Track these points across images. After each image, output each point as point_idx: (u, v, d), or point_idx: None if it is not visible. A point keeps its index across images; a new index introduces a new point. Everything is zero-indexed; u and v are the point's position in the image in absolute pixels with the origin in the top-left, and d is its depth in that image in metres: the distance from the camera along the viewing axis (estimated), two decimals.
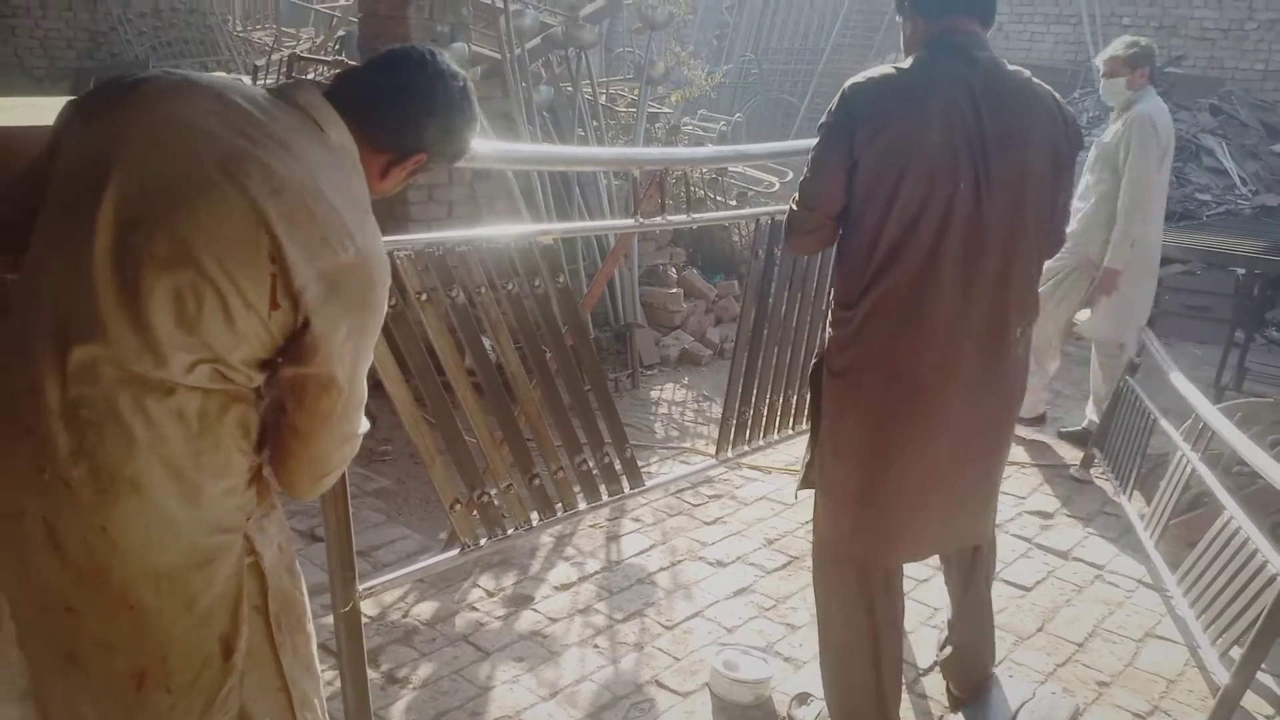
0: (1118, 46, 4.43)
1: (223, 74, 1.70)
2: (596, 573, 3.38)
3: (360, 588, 2.18)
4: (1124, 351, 4.50)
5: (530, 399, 2.64)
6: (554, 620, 3.07)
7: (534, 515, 2.66)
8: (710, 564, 3.49)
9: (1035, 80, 2.19)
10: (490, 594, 3.20)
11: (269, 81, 6.57)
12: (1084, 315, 4.69)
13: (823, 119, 2.15)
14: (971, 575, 2.52)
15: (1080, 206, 4.42)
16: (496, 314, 2.48)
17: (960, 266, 2.08)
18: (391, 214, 4.65)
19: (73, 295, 1.37)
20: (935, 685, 2.81)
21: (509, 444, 2.60)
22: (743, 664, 2.75)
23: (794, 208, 2.26)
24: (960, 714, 2.60)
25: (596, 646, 2.94)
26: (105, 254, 1.37)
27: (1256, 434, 3.54)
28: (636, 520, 3.80)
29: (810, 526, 3.73)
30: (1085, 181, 4.48)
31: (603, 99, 6.28)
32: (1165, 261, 7.55)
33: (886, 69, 2.12)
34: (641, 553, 3.54)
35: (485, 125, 1.74)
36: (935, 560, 3.26)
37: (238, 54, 10.91)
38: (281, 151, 1.45)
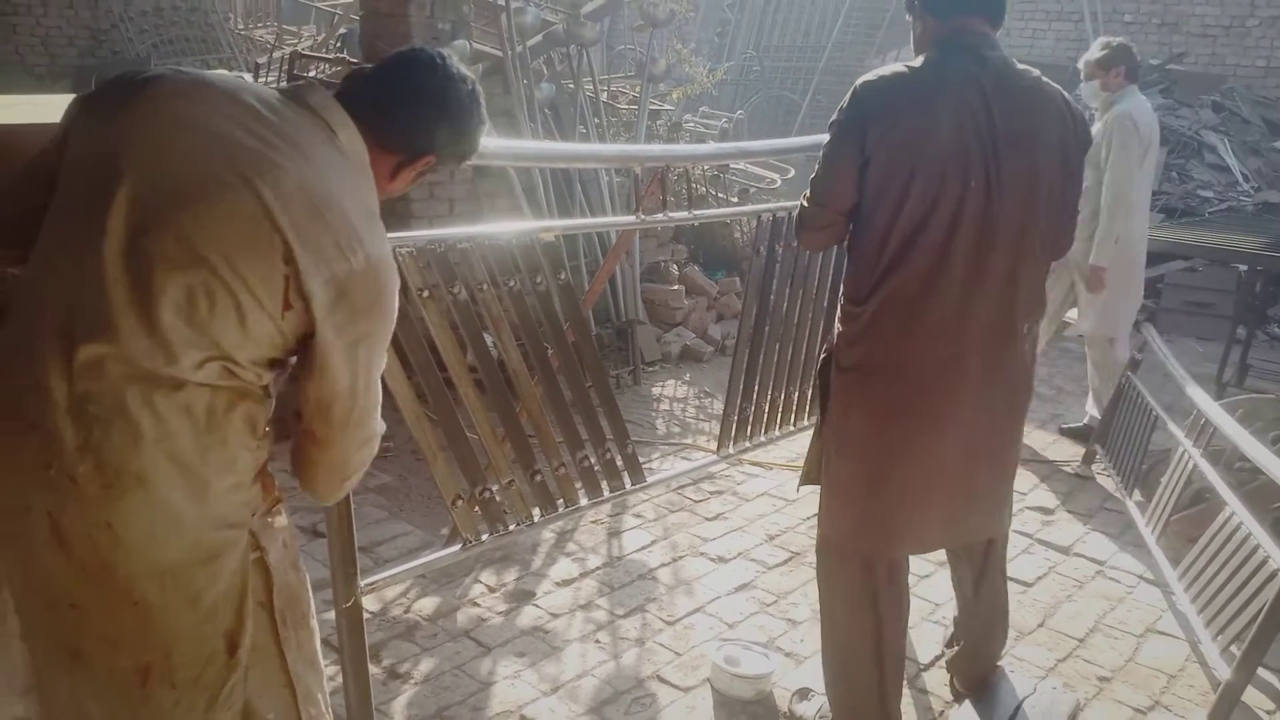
0: (1093, 49, 4.47)
1: (230, 72, 1.71)
2: (598, 568, 3.39)
3: (362, 583, 2.18)
4: (1114, 346, 4.51)
5: (532, 395, 2.64)
6: (555, 616, 3.07)
7: (535, 511, 2.66)
8: (711, 560, 3.49)
9: (1045, 79, 2.19)
10: (492, 589, 3.21)
11: (271, 79, 6.58)
12: (1073, 314, 4.70)
13: (834, 116, 2.16)
14: (984, 570, 2.52)
15: None
16: (498, 311, 2.49)
17: (970, 264, 2.09)
18: (393, 211, 4.64)
19: (81, 293, 1.38)
20: (936, 680, 2.81)
21: (511, 440, 2.60)
22: (744, 659, 2.75)
23: (805, 204, 2.26)
24: (963, 709, 2.60)
25: (598, 642, 2.95)
26: (116, 254, 1.37)
27: (1258, 430, 3.55)
28: (638, 516, 3.80)
29: (812, 523, 3.74)
30: None
31: (604, 96, 6.28)
32: (1167, 258, 7.59)
33: (898, 67, 2.13)
34: (643, 548, 3.55)
35: (487, 122, 1.75)
36: (938, 556, 3.27)
37: (239, 52, 10.90)
38: (294, 154, 1.46)
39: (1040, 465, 4.45)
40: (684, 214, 3.29)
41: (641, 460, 3.01)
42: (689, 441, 4.62)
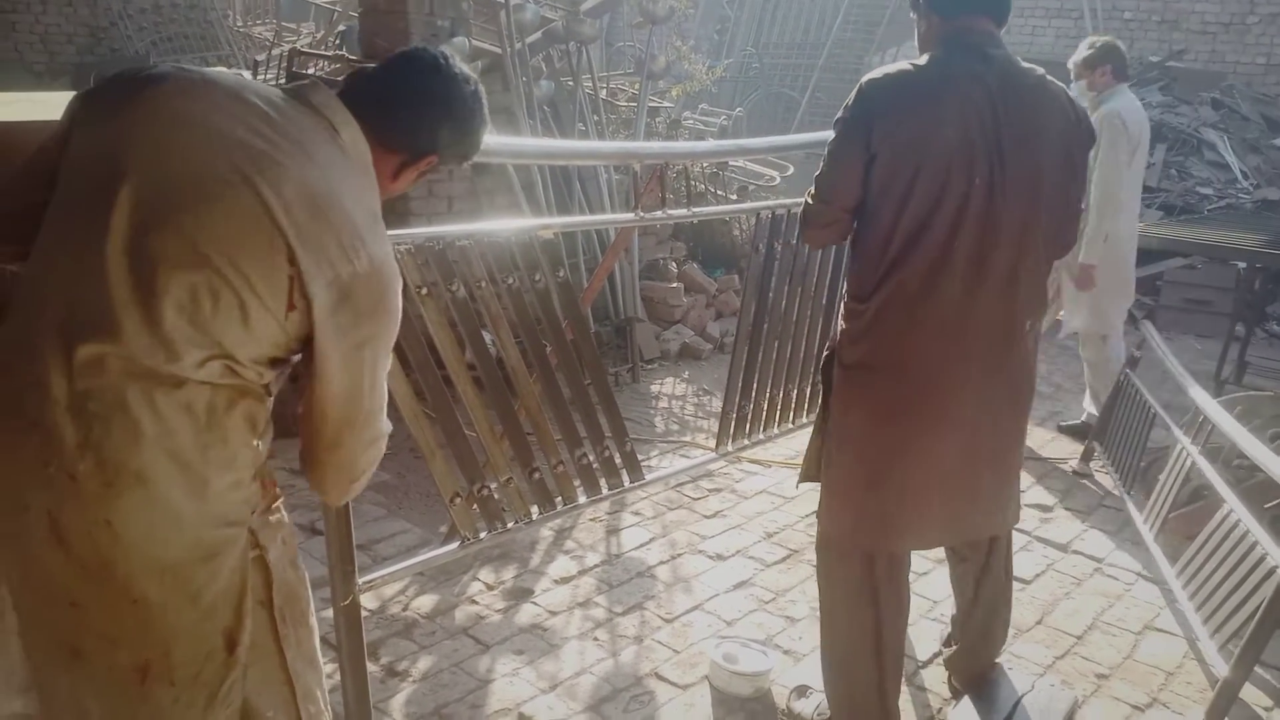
0: (1080, 49, 4.50)
1: (232, 71, 1.70)
2: (596, 566, 3.39)
3: (360, 581, 2.18)
4: (1107, 343, 4.53)
5: (530, 393, 2.64)
6: (554, 613, 3.07)
7: (534, 509, 2.66)
8: (710, 557, 3.49)
9: (1049, 78, 2.20)
10: (490, 587, 3.21)
11: (269, 77, 6.57)
12: (1063, 313, 4.72)
13: (840, 114, 2.16)
14: (988, 566, 2.52)
15: None
16: (497, 308, 2.48)
17: (973, 261, 2.09)
18: (392, 209, 4.61)
19: (83, 291, 1.38)
20: (934, 678, 2.81)
21: (509, 438, 2.60)
22: (742, 657, 2.76)
23: (810, 201, 2.27)
24: (961, 706, 2.60)
25: (596, 639, 2.95)
26: (119, 252, 1.37)
27: (1257, 427, 3.55)
28: (636, 514, 3.81)
29: (810, 520, 3.75)
30: None
31: (603, 93, 6.28)
32: (1166, 255, 7.59)
33: (903, 65, 2.13)
34: (641, 546, 3.55)
35: (489, 122, 1.76)
36: (936, 554, 3.27)
37: (238, 49, 10.90)
38: (297, 153, 1.46)
39: (1038, 463, 4.46)
40: (683, 211, 3.29)
41: (640, 458, 3.01)
42: (687, 439, 4.62)
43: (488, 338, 2.54)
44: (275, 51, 7.63)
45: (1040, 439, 4.73)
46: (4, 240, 1.54)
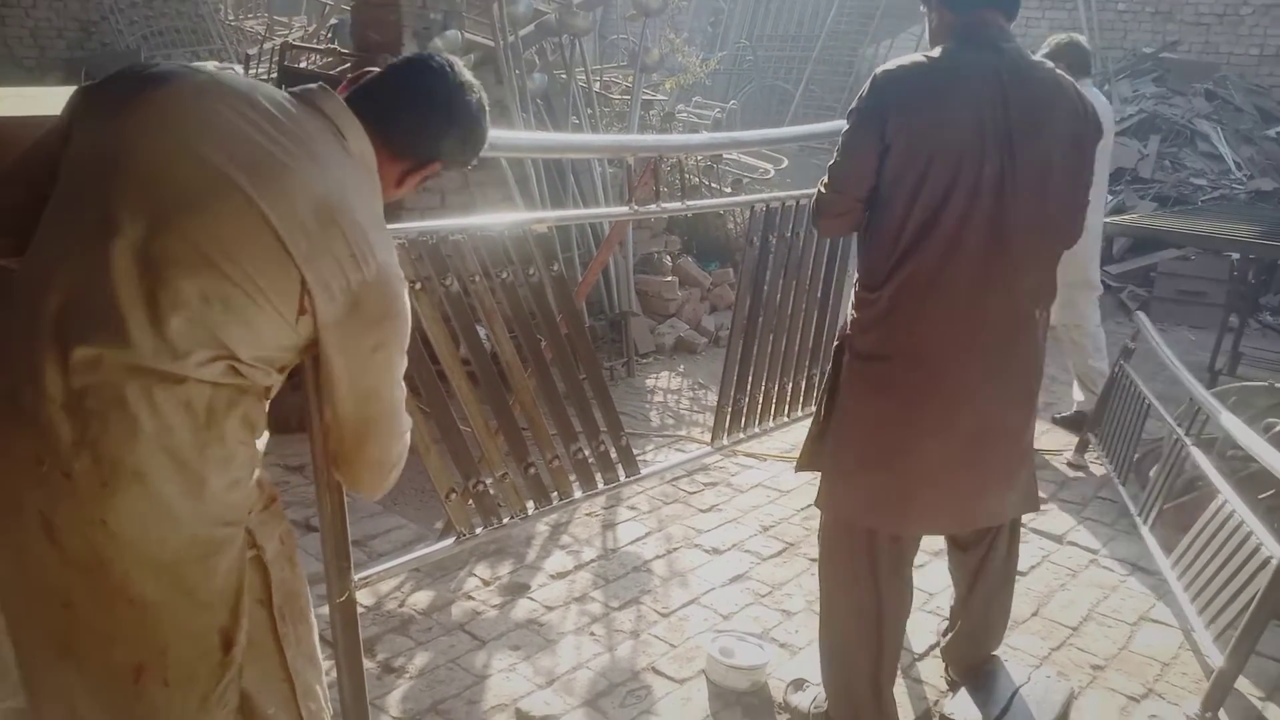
0: (1041, 48, 4.48)
1: (237, 72, 1.70)
2: (592, 561, 3.39)
3: (356, 577, 2.17)
4: (1084, 332, 4.54)
5: (525, 388, 2.64)
6: (550, 608, 3.07)
7: (530, 504, 2.66)
8: (706, 551, 3.49)
9: (1059, 72, 2.22)
10: (486, 583, 3.20)
11: (261, 71, 6.55)
12: None
13: (854, 104, 2.18)
14: (988, 556, 2.52)
15: None
16: (491, 303, 2.48)
17: (984, 251, 2.11)
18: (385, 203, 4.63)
19: (85, 289, 1.37)
20: (931, 670, 2.82)
21: (504, 433, 2.59)
22: (738, 650, 2.76)
23: (823, 190, 2.28)
24: (957, 697, 2.61)
25: (593, 634, 2.95)
26: (125, 253, 1.36)
27: (1250, 418, 3.55)
28: (632, 508, 3.80)
29: (806, 514, 3.76)
30: None
31: (597, 86, 6.26)
32: (1160, 247, 7.60)
33: (917, 57, 2.15)
34: (637, 540, 3.55)
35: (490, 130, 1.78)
36: (933, 546, 3.27)
37: (230, 43, 10.85)
38: (306, 159, 1.47)
39: (1033, 454, 4.45)
40: (677, 205, 3.28)
41: (635, 452, 3.01)
42: (683, 433, 4.62)
43: (482, 333, 2.53)
44: (267, 45, 7.60)
45: (1035, 431, 4.73)
46: (1, 234, 1.53)
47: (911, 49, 12.65)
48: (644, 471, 3.05)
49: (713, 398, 4.46)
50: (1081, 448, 4.42)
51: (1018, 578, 3.29)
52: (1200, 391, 3.48)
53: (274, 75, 5.47)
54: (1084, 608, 3.19)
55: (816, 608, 2.48)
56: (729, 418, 3.25)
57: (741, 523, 3.73)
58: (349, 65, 5.05)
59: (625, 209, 3.04)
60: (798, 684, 2.65)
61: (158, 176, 1.40)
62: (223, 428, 1.45)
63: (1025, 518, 3.76)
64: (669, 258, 6.29)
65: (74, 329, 1.36)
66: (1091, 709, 2.69)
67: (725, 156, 6.96)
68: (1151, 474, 3.74)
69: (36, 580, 1.40)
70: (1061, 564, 3.48)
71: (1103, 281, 7.93)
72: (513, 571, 3.28)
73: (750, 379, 3.27)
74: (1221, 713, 2.59)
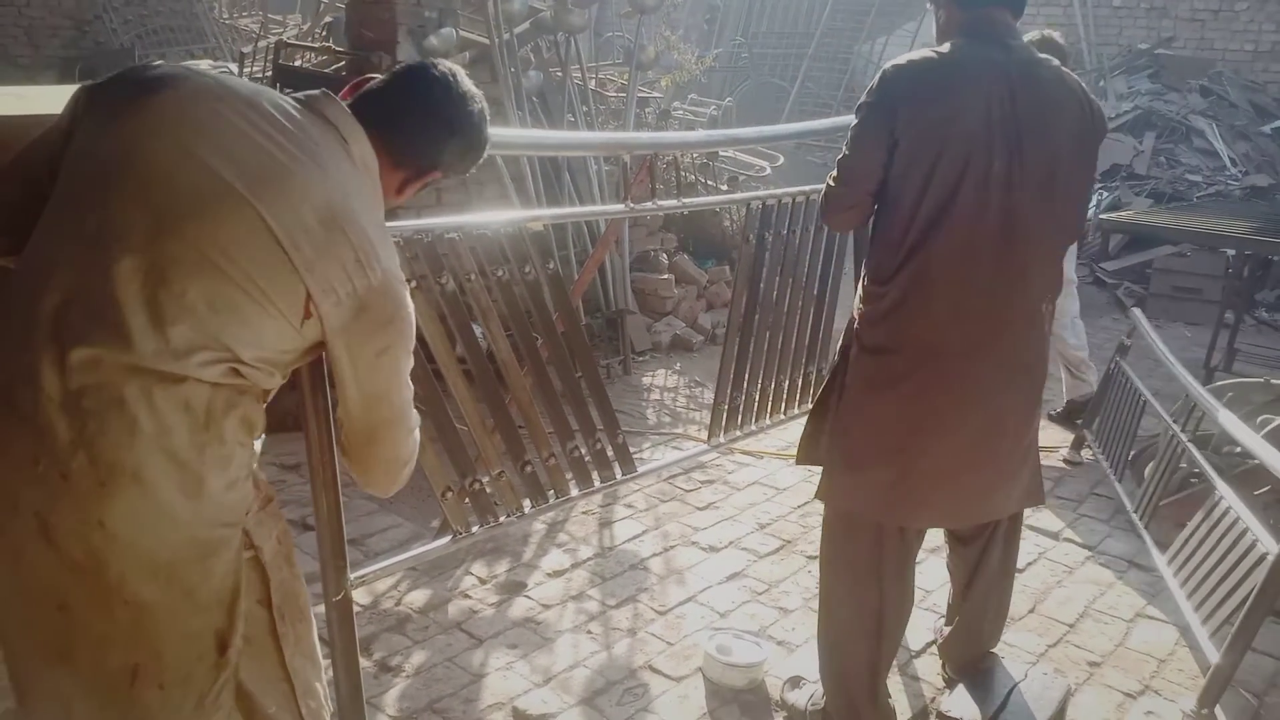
0: None
1: (232, 70, 1.70)
2: (589, 559, 3.39)
3: (352, 576, 2.17)
4: (1064, 320, 4.54)
5: (521, 386, 2.63)
6: (547, 607, 3.07)
7: (526, 502, 2.65)
8: (703, 549, 3.49)
9: (1065, 69, 2.23)
10: (483, 581, 3.20)
11: (256, 69, 6.53)
12: None
13: (863, 99, 2.19)
14: (986, 550, 2.52)
15: None
16: (487, 301, 2.47)
17: (992, 245, 2.12)
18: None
19: (85, 291, 1.36)
20: (928, 667, 2.82)
21: (500, 431, 2.59)
22: (736, 648, 2.76)
23: (831, 184, 2.29)
24: (954, 694, 2.61)
25: (590, 632, 2.94)
26: (128, 256, 1.36)
27: (1246, 414, 3.56)
28: (629, 506, 3.80)
29: (803, 511, 3.76)
30: None
31: (592, 84, 6.25)
32: (1155, 243, 7.61)
33: (926, 52, 2.16)
34: (634, 538, 3.55)
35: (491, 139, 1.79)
36: (931, 543, 3.27)
37: (224, 41, 10.82)
38: (314, 167, 1.47)
39: None
40: (673, 202, 3.28)
41: (632, 450, 3.00)
42: (679, 431, 4.62)
43: (478, 331, 2.53)
44: (262, 44, 7.57)
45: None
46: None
47: (906, 46, 12.67)
48: (641, 469, 3.05)
49: (709, 395, 4.46)
50: (1077, 444, 4.43)
51: (1015, 575, 3.31)
52: (1196, 388, 3.48)
53: (269, 74, 5.45)
54: (1080, 604, 3.20)
55: (813, 605, 2.48)
56: (726, 415, 3.25)
57: (738, 520, 3.73)
58: (344, 63, 5.04)
59: (621, 207, 3.03)
60: (795, 681, 2.65)
61: (158, 180, 1.39)
62: (221, 428, 1.45)
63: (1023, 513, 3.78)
64: (665, 255, 6.29)
65: (72, 329, 1.35)
66: (1088, 706, 2.70)
67: (721, 154, 6.96)
68: (1147, 471, 3.74)
69: (31, 582, 1.39)
70: (1058, 561, 3.48)
71: (1099, 278, 7.97)
72: (509, 570, 3.28)
73: (747, 377, 3.27)
74: (1218, 709, 2.59)
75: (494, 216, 2.57)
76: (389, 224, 2.23)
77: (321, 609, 2.20)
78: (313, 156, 1.48)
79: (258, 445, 1.56)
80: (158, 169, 1.40)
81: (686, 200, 3.52)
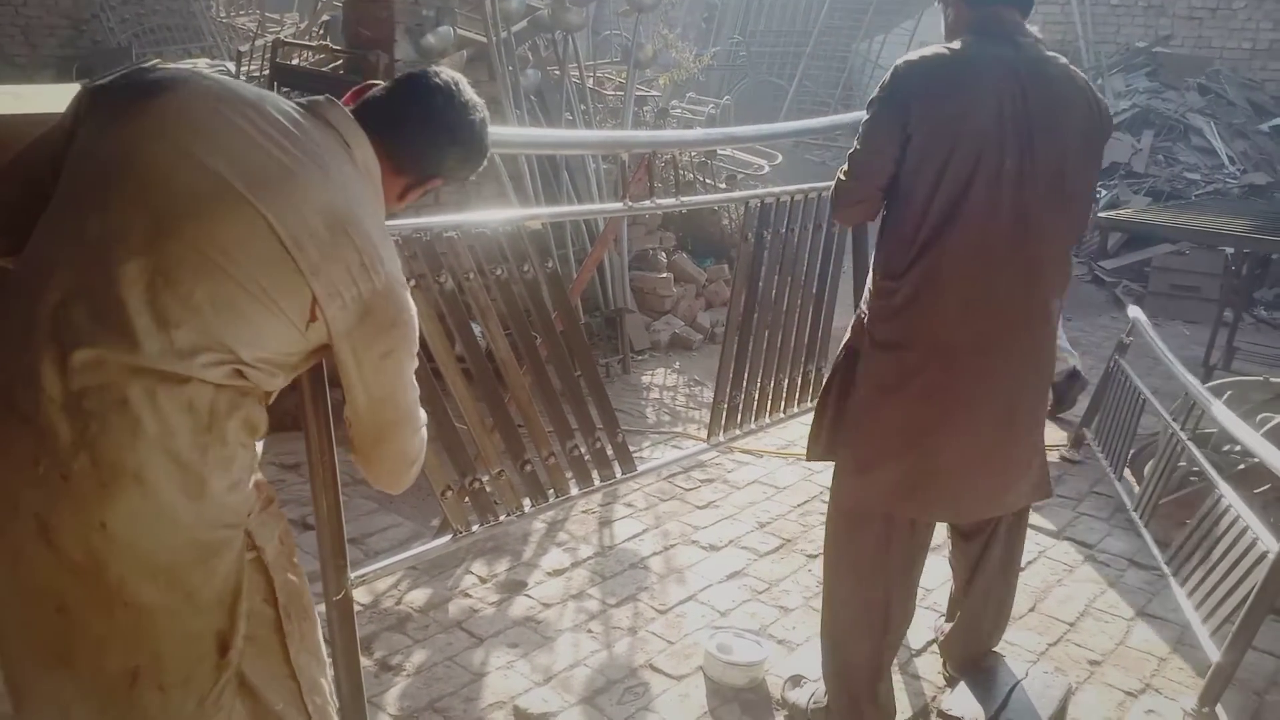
0: None
1: (229, 70, 1.71)
2: (589, 558, 3.38)
3: (352, 575, 2.17)
4: None
5: (521, 385, 2.63)
6: (547, 606, 3.07)
7: (526, 501, 2.65)
8: (703, 548, 3.49)
9: (1073, 67, 2.24)
10: (483, 580, 3.20)
11: (253, 68, 6.52)
12: None
13: (875, 94, 2.19)
14: (990, 544, 2.52)
15: None
16: (485, 300, 2.47)
17: (1004, 242, 2.13)
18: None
19: (87, 292, 1.36)
20: (928, 666, 2.82)
21: (500, 430, 2.58)
22: (736, 647, 2.75)
23: (842, 178, 2.30)
24: (955, 693, 2.61)
25: (590, 631, 2.94)
26: (130, 257, 1.36)
27: (1246, 412, 3.56)
28: (629, 505, 3.80)
29: (803, 510, 3.75)
30: None
31: (590, 82, 6.24)
32: (1153, 241, 7.61)
33: (939, 49, 2.17)
34: (634, 537, 3.54)
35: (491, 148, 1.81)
36: (933, 541, 3.27)
37: (221, 40, 10.81)
38: (318, 172, 1.48)
39: None
40: (671, 201, 3.27)
41: (632, 449, 3.00)
42: (679, 430, 4.61)
43: (477, 330, 2.52)
44: (259, 42, 7.56)
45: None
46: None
47: (904, 44, 12.67)
48: (640, 468, 3.04)
49: (709, 394, 4.46)
50: (1077, 443, 4.43)
51: None
52: (1196, 386, 3.48)
53: (266, 72, 5.44)
54: (1081, 603, 3.20)
55: (814, 604, 2.48)
56: (725, 414, 3.25)
57: (738, 519, 3.72)
58: (341, 62, 5.03)
59: (620, 205, 3.03)
60: (795, 680, 2.65)
61: (156, 181, 1.39)
62: (224, 429, 1.45)
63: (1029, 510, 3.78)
64: (664, 254, 6.28)
65: (74, 330, 1.34)
66: (1089, 704, 2.70)
67: (720, 152, 6.94)
68: (1147, 469, 3.75)
69: (30, 584, 1.38)
70: (1058, 559, 3.48)
71: (1097, 277, 7.97)
72: (510, 569, 3.27)
73: (746, 375, 3.26)
74: (1219, 707, 2.59)
75: (492, 215, 2.57)
76: (388, 222, 2.24)
77: (322, 608, 2.20)
78: (316, 160, 1.49)
79: (259, 447, 1.56)
80: (155, 171, 1.40)
81: (685, 199, 3.51)
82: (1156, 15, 10.96)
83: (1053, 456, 4.37)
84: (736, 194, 4.70)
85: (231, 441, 1.46)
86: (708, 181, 6.80)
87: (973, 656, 2.67)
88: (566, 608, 3.06)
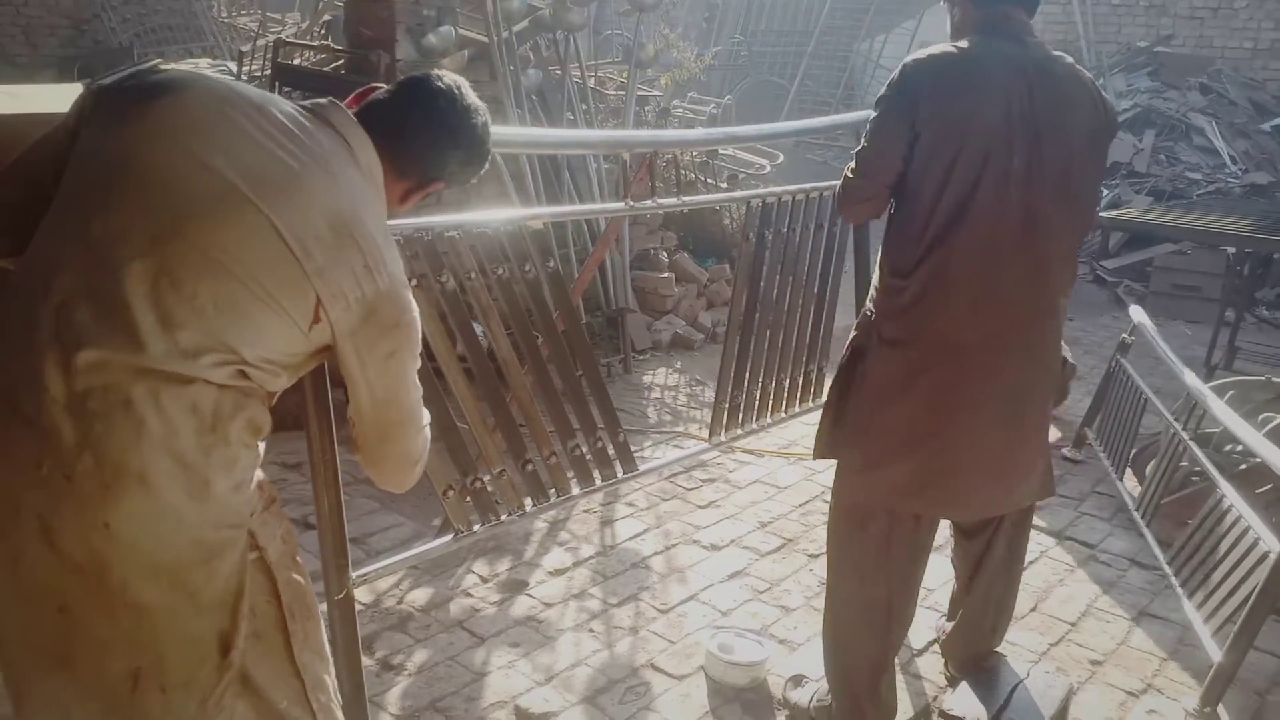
0: None
1: (231, 70, 1.71)
2: (590, 557, 3.38)
3: (354, 575, 2.17)
4: None
5: (522, 384, 2.63)
6: (548, 605, 3.07)
7: (527, 501, 2.65)
8: (704, 547, 3.49)
9: (1079, 66, 2.25)
10: (484, 580, 3.20)
11: (254, 68, 6.52)
12: None
13: (883, 92, 2.20)
14: (993, 542, 2.52)
15: None
16: (487, 299, 2.47)
17: (1013, 241, 2.13)
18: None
19: (90, 293, 1.36)
20: (929, 666, 2.82)
21: (501, 430, 2.58)
22: (737, 647, 2.75)
23: (850, 176, 2.30)
24: (957, 693, 2.60)
25: (591, 631, 2.94)
26: (134, 259, 1.36)
27: (1248, 412, 3.56)
28: (630, 505, 3.80)
29: (805, 509, 3.75)
30: None
31: (591, 82, 6.24)
32: (1155, 241, 7.61)
33: (946, 47, 2.17)
34: (635, 537, 3.54)
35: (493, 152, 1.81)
36: (934, 541, 3.27)
37: (222, 39, 10.81)
38: (322, 174, 1.49)
39: None
40: (673, 200, 3.27)
41: (633, 448, 3.00)
42: (680, 429, 4.61)
43: (478, 329, 2.52)
44: (260, 42, 7.56)
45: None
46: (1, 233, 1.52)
47: (905, 44, 12.67)
48: (642, 468, 3.04)
49: (710, 394, 4.46)
50: (1079, 442, 4.42)
51: None
52: (1198, 386, 3.48)
53: (267, 72, 5.44)
54: (1082, 603, 3.19)
55: (815, 604, 2.48)
56: (726, 413, 3.24)
57: (740, 519, 3.72)
58: (343, 62, 5.03)
59: (621, 205, 3.02)
60: (797, 680, 2.65)
61: (157, 183, 1.39)
62: (228, 430, 1.45)
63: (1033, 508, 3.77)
64: (665, 254, 6.28)
65: (77, 331, 1.34)
66: (1091, 704, 2.69)
67: (721, 152, 6.94)
68: (1149, 469, 3.74)
69: (31, 585, 1.37)
70: (1060, 559, 3.48)
71: (1099, 276, 7.96)
72: (511, 568, 3.27)
73: (748, 375, 3.26)
74: (1220, 707, 2.59)
75: (494, 215, 2.57)
76: (389, 222, 2.24)
77: (323, 607, 2.20)
78: (321, 163, 1.49)
79: (262, 447, 1.56)
80: (159, 172, 1.40)
81: (686, 198, 3.51)
82: (1158, 15, 10.95)
83: (1054, 456, 4.38)
84: (738, 194, 4.70)
85: (235, 442, 1.46)
86: (709, 181, 6.80)
87: (974, 656, 2.67)
88: (568, 607, 3.06)
